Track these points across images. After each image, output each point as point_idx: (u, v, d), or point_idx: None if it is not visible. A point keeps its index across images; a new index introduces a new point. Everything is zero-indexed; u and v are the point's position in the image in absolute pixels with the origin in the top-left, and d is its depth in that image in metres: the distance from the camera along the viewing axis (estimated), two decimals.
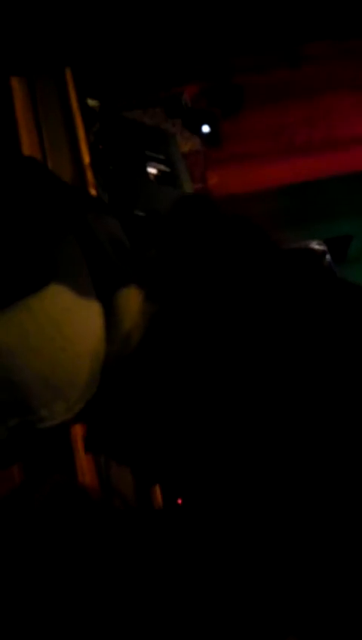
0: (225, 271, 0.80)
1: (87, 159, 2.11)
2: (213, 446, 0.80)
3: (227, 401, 0.79)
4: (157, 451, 0.85)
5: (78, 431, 2.05)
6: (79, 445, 2.06)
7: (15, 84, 1.98)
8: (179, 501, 2.31)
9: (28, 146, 2.00)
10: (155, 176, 2.13)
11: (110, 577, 1.36)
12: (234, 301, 0.79)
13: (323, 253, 2.67)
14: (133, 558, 1.49)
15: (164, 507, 2.20)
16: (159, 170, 2.14)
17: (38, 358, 0.74)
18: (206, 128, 2.26)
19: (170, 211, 0.90)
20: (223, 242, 0.83)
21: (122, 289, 0.80)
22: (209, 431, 0.79)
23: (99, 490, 2.14)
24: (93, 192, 2.11)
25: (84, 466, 2.09)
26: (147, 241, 0.85)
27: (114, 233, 0.83)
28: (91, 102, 2.06)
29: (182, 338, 0.78)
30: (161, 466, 0.87)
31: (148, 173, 2.12)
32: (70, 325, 0.76)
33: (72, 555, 1.37)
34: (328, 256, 2.66)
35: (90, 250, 0.79)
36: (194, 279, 0.80)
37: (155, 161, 2.14)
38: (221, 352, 0.79)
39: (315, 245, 2.71)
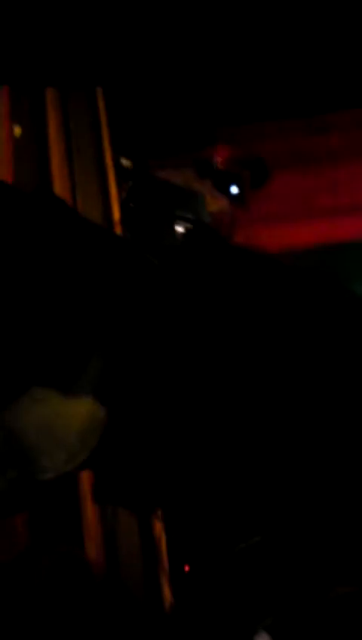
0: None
1: (117, 215, 2.15)
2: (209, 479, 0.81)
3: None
4: (159, 484, 0.85)
5: (86, 494, 2.04)
6: (88, 509, 2.05)
7: (54, 144, 2.03)
8: (186, 568, 2.29)
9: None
10: (183, 234, 2.18)
11: None
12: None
13: None
14: None
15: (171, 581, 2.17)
16: (186, 229, 2.18)
17: (37, 407, 0.74)
18: (234, 189, 2.31)
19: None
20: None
21: None
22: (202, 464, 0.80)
23: (104, 564, 2.12)
24: None
25: (92, 531, 2.07)
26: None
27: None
28: (125, 161, 2.11)
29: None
30: (164, 496, 0.87)
31: (176, 231, 2.17)
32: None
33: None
34: None
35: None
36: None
37: (184, 220, 2.19)
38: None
39: None
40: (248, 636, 2.10)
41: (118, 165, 2.08)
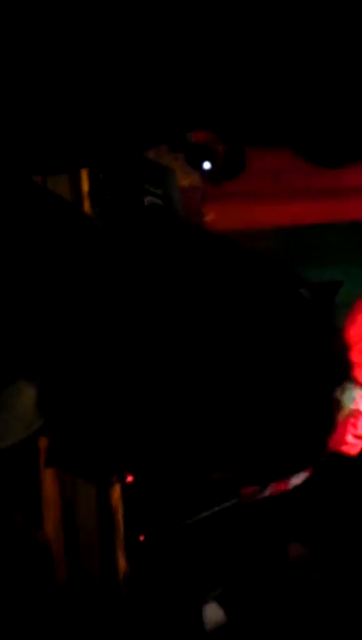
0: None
1: (85, 187, 2.14)
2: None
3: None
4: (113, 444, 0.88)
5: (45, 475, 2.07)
6: (47, 480, 2.07)
7: None
8: (141, 538, 2.33)
9: None
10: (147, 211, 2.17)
11: None
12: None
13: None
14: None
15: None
16: (150, 208, 2.17)
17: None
18: (207, 165, 2.30)
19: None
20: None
21: None
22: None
23: (62, 534, 2.15)
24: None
25: (50, 502, 2.09)
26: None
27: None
28: None
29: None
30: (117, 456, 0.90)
31: (144, 205, 2.16)
32: None
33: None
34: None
35: None
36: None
37: (152, 195, 2.18)
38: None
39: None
40: (198, 605, 2.16)
41: None
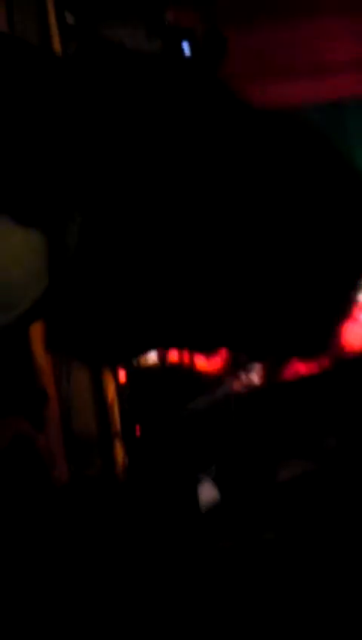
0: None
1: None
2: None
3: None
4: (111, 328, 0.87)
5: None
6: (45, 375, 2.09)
7: None
8: (137, 430, 2.39)
9: None
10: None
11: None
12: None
13: None
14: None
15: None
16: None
17: None
18: (187, 48, 2.20)
19: None
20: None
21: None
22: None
23: (60, 427, 2.18)
24: None
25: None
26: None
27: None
28: (69, 17, 1.99)
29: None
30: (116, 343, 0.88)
31: None
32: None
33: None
34: None
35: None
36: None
37: None
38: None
39: None
40: (193, 485, 2.24)
41: (62, 22, 1.97)
